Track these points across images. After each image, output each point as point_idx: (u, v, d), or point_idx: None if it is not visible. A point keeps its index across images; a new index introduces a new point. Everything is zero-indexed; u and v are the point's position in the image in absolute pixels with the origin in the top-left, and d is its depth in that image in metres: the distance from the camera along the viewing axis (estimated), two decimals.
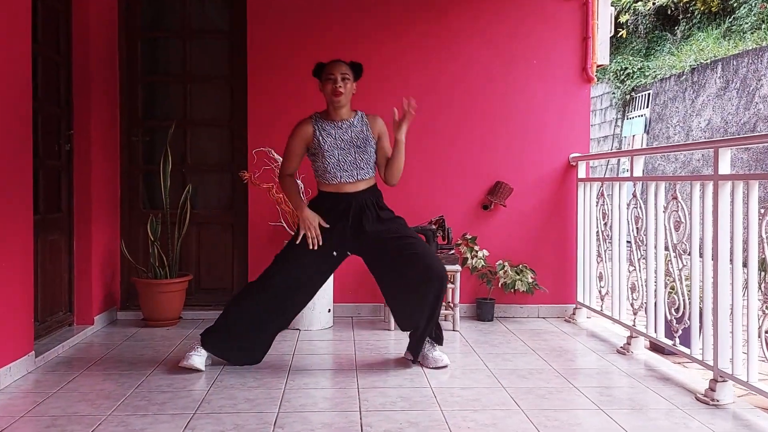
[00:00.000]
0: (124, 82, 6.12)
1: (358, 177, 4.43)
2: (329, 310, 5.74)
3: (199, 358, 4.35)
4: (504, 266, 5.94)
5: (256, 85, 6.05)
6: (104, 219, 5.78)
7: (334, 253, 4.48)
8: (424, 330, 4.42)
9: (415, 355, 4.53)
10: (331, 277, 5.73)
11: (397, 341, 5.18)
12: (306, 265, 4.43)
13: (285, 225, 5.79)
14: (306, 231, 4.36)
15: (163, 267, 5.76)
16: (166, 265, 5.77)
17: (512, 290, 5.88)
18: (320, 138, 4.40)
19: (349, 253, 4.57)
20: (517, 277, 5.88)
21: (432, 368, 4.40)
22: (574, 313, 6.05)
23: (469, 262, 5.80)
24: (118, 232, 6.10)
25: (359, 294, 6.13)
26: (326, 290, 5.66)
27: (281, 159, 4.69)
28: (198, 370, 4.30)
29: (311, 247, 4.35)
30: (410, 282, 4.35)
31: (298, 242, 4.39)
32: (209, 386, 4.05)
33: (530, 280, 5.90)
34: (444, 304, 5.89)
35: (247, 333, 4.47)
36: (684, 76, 14.13)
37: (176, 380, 4.18)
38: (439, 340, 4.60)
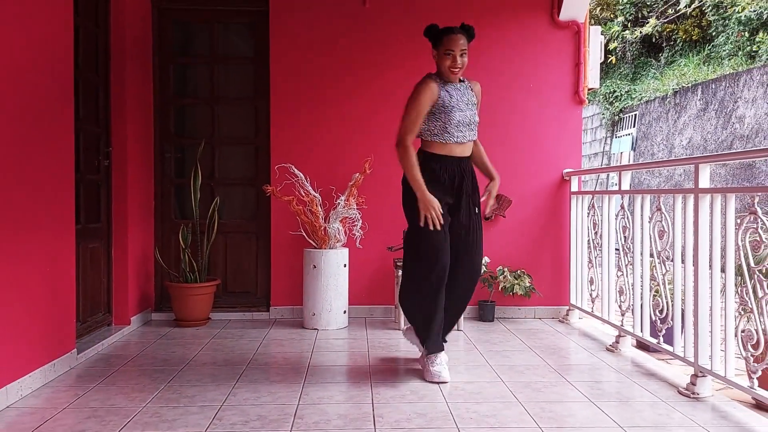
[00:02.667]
0: (157, 103, 6.16)
1: (470, 138, 4.25)
2: (345, 312, 5.74)
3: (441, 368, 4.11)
4: (504, 272, 5.94)
5: (279, 106, 6.07)
6: (139, 228, 5.81)
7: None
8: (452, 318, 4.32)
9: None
10: (347, 281, 5.76)
11: (405, 340, 5.17)
12: (441, 233, 4.06)
13: (304, 234, 5.81)
14: (427, 213, 3.99)
15: (193, 272, 5.78)
16: (196, 271, 5.79)
17: (511, 293, 5.87)
18: (445, 96, 4.11)
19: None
20: (516, 281, 5.88)
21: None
22: (567, 314, 6.05)
23: None
24: (152, 240, 6.12)
25: (372, 296, 6.14)
26: (342, 293, 5.68)
27: (405, 121, 4.12)
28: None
29: (431, 228, 3.99)
30: (456, 268, 4.17)
31: (422, 224, 4.04)
32: (235, 381, 4.05)
33: (527, 284, 5.89)
34: None
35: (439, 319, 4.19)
36: (667, 99, 14.12)
37: (205, 375, 4.19)
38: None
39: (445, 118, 4.09)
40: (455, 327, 5.52)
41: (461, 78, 4.27)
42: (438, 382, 4.01)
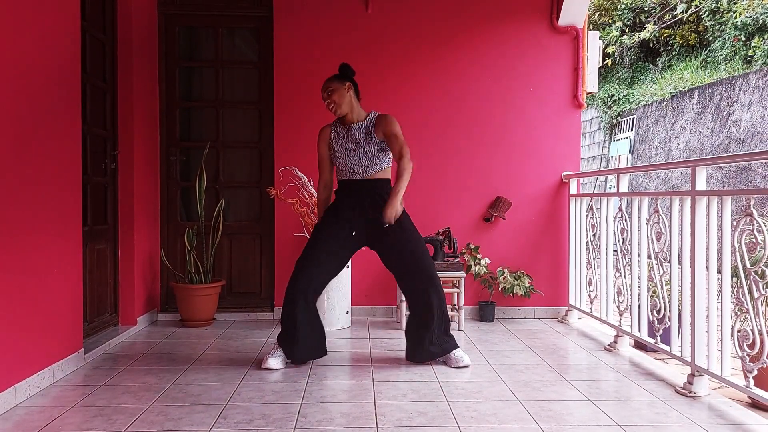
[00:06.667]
0: (163, 107, 6.17)
1: (363, 174, 4.37)
2: (347, 312, 5.74)
3: None
4: (504, 272, 5.94)
5: (282, 110, 6.08)
6: (146, 230, 5.82)
7: (354, 233, 4.39)
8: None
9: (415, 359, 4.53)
10: (350, 282, 5.76)
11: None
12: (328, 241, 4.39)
13: (308, 236, 5.81)
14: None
15: (198, 273, 5.79)
16: (201, 272, 5.79)
17: (511, 294, 5.87)
18: (333, 140, 4.45)
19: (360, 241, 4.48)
20: (516, 282, 5.88)
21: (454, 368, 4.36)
22: (566, 315, 6.05)
23: (473, 269, 5.80)
24: (158, 241, 6.13)
25: (374, 297, 6.15)
26: (345, 293, 5.68)
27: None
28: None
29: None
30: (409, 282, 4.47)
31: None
32: (240, 380, 4.06)
33: (527, 285, 5.89)
34: (450, 306, 5.91)
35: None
36: (665, 103, 14.11)
37: (210, 375, 4.20)
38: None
39: (335, 159, 4.48)
40: (458, 328, 5.54)
41: (370, 114, 4.51)
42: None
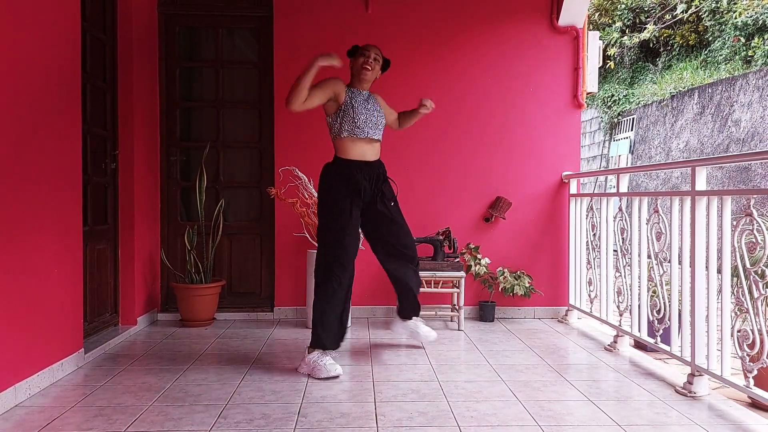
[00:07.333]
0: (163, 107, 6.17)
1: (378, 135, 4.45)
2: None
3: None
4: (504, 272, 5.94)
5: (282, 110, 6.07)
6: (146, 230, 5.81)
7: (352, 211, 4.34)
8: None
9: (408, 315, 4.84)
10: None
11: (408, 339, 5.18)
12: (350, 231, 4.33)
13: (308, 236, 5.81)
14: (321, 59, 4.15)
15: (198, 273, 5.79)
16: (202, 272, 5.79)
17: (511, 294, 5.87)
18: (351, 97, 4.39)
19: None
20: (516, 282, 5.88)
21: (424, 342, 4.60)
22: (566, 315, 6.05)
23: (473, 269, 5.80)
24: (158, 241, 6.13)
25: (374, 298, 6.14)
26: None
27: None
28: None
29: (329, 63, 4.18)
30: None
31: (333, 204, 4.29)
32: (240, 380, 4.06)
33: (527, 285, 5.89)
34: (450, 306, 5.92)
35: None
36: (664, 103, 14.11)
37: (210, 374, 4.20)
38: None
39: (354, 115, 4.37)
40: (458, 328, 5.54)
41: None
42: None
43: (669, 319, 4.24)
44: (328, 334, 4.27)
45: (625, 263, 4.89)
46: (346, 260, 4.24)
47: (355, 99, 4.39)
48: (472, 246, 5.93)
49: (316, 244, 4.45)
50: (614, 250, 5.16)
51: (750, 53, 13.58)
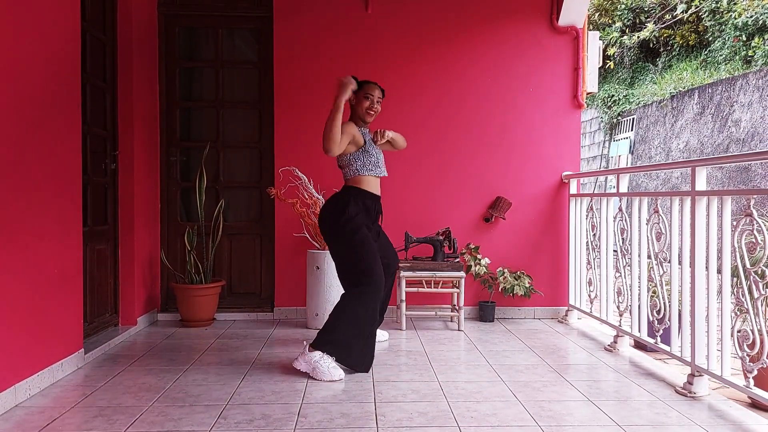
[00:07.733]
0: (163, 107, 6.17)
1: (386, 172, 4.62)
2: None
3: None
4: (504, 272, 5.94)
5: (282, 110, 6.08)
6: (146, 230, 5.81)
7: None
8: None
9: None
10: None
11: (408, 340, 5.18)
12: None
13: (308, 236, 5.82)
14: (343, 95, 4.26)
15: (198, 273, 5.79)
16: (202, 272, 5.79)
17: (511, 294, 5.88)
18: (365, 136, 4.49)
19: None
20: (516, 282, 5.88)
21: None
22: (566, 315, 6.05)
23: (473, 269, 5.80)
24: (158, 242, 6.13)
25: None
26: None
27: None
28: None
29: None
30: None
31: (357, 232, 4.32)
32: (240, 380, 4.06)
33: (527, 285, 5.89)
34: (450, 306, 5.92)
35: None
36: (664, 103, 14.12)
37: (210, 375, 4.20)
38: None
39: (369, 155, 4.48)
40: (458, 328, 5.55)
41: None
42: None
43: (669, 320, 4.24)
44: (356, 355, 4.26)
45: (625, 263, 4.89)
46: (380, 273, 4.31)
47: (366, 138, 4.51)
48: (472, 246, 5.93)
49: (343, 269, 4.36)
50: (614, 251, 5.16)
51: (750, 53, 13.58)
